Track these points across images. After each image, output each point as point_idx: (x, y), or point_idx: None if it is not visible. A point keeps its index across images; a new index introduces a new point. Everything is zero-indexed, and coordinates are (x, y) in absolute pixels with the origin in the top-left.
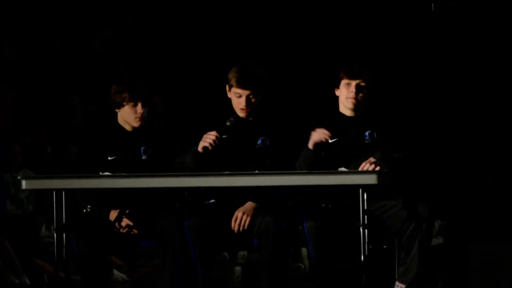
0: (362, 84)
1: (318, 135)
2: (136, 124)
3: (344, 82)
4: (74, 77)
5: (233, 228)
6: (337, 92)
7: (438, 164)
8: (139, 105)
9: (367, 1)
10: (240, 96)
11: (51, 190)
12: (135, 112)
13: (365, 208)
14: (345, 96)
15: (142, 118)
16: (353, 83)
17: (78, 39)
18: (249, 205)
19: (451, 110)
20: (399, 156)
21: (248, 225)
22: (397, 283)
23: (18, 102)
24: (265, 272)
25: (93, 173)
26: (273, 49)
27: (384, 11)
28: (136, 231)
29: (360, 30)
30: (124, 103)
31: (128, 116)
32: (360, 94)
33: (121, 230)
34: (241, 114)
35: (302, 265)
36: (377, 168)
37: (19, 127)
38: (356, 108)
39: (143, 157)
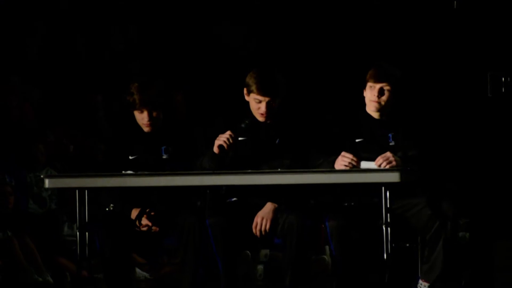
0: (387, 87)
1: (343, 161)
2: (145, 129)
3: (369, 84)
4: (96, 76)
5: (254, 233)
6: (364, 93)
7: (459, 160)
8: (145, 112)
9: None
10: (260, 102)
11: (74, 188)
12: (142, 118)
13: (388, 206)
14: (369, 98)
15: (151, 125)
16: (377, 86)
17: (100, 38)
18: (268, 207)
19: (474, 107)
20: (414, 154)
21: (269, 228)
22: (420, 281)
23: (41, 101)
24: (288, 270)
25: (115, 172)
26: (296, 49)
27: (406, 11)
28: (157, 229)
29: (381, 30)
30: (132, 109)
31: (138, 121)
32: (383, 97)
33: (141, 228)
34: (260, 118)
35: (326, 257)
36: (394, 164)
37: (42, 126)
38: (380, 110)
39: (164, 156)
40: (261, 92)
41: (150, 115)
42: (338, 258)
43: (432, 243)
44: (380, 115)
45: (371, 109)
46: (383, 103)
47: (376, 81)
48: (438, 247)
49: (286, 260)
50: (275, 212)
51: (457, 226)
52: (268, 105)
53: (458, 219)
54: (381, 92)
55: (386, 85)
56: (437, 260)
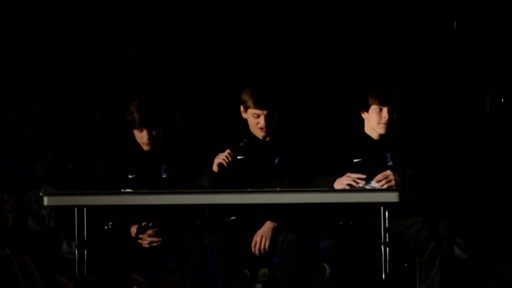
0: (392, 110)
1: (347, 180)
2: (145, 148)
3: (374, 107)
4: (96, 94)
5: (253, 252)
6: (365, 115)
7: (458, 180)
8: (145, 131)
9: (389, 19)
10: (258, 116)
11: (73, 206)
12: (142, 137)
13: (387, 226)
14: (377, 121)
15: (150, 144)
16: (385, 109)
17: (100, 56)
18: (267, 226)
19: (472, 126)
20: (412, 174)
21: (268, 247)
22: None
23: (40, 119)
24: None
25: (115, 190)
26: (293, 68)
27: (406, 29)
28: (159, 243)
29: (381, 48)
30: (132, 128)
31: (138, 139)
32: (390, 119)
33: (143, 245)
34: (260, 134)
35: (326, 266)
36: (393, 183)
37: (41, 143)
38: (387, 132)
39: (164, 176)
40: (258, 105)
41: (149, 134)
42: (336, 277)
43: (429, 264)
44: (380, 135)
45: (380, 131)
46: (390, 124)
47: (383, 104)
48: (435, 267)
49: (285, 278)
50: (274, 230)
51: (453, 246)
52: (266, 118)
53: (455, 239)
54: (390, 113)
55: (391, 107)
56: (434, 280)
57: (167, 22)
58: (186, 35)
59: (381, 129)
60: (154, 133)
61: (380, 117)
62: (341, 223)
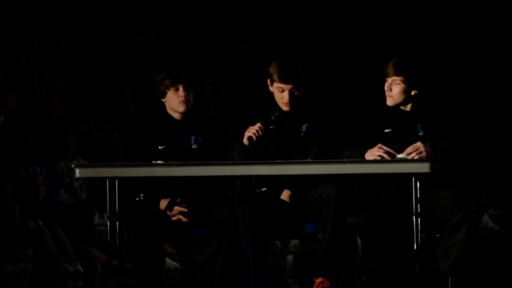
0: (397, 81)
1: (378, 152)
2: (181, 109)
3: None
4: (127, 67)
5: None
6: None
7: (492, 151)
8: (181, 88)
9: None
10: (283, 91)
11: (104, 178)
12: (178, 96)
13: (418, 196)
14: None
15: (187, 102)
16: (389, 80)
17: (131, 30)
18: (285, 194)
19: (505, 100)
20: (443, 144)
21: (302, 200)
22: None
23: (71, 92)
24: (326, 231)
25: (145, 162)
26: (320, 44)
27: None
28: (186, 220)
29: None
30: (167, 90)
31: (172, 102)
32: (394, 91)
33: (172, 219)
34: (285, 108)
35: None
36: (424, 154)
37: (72, 116)
38: (394, 103)
39: (193, 146)
40: (283, 80)
41: (185, 90)
42: (367, 250)
43: (451, 231)
44: (411, 106)
45: (388, 102)
46: (395, 96)
47: (387, 75)
48: (457, 236)
49: (321, 229)
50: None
51: (480, 219)
52: (291, 93)
53: (485, 212)
54: (392, 85)
55: (396, 79)
56: (453, 249)
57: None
58: (213, 17)
59: (387, 100)
60: (188, 92)
61: (385, 88)
62: (371, 196)
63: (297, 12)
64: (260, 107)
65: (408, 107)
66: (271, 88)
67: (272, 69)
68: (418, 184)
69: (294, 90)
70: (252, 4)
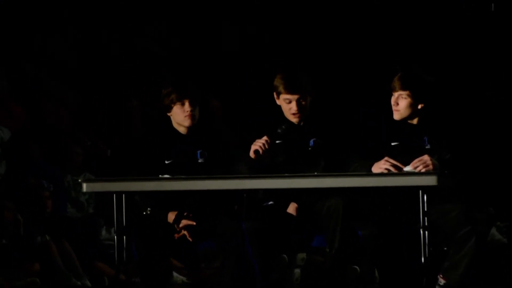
0: (404, 95)
1: (385, 165)
2: (186, 123)
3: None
4: (133, 81)
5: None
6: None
7: (499, 164)
8: (186, 103)
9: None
10: (290, 102)
11: (112, 192)
12: (184, 111)
13: (425, 210)
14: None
15: (192, 117)
16: (395, 94)
17: (136, 43)
18: (292, 207)
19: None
20: (450, 157)
21: (309, 213)
22: (439, 277)
23: (77, 105)
24: (335, 242)
25: (152, 176)
26: (325, 54)
27: (441, 12)
28: (190, 239)
29: (416, 33)
30: (173, 105)
31: (178, 117)
32: (401, 105)
33: (176, 236)
34: (293, 119)
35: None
36: (431, 167)
37: (79, 129)
38: (401, 117)
39: (200, 160)
40: (289, 90)
41: (191, 105)
42: (375, 263)
43: (459, 243)
44: (418, 120)
45: (395, 116)
46: (401, 110)
47: (393, 90)
48: (465, 249)
49: (329, 240)
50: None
51: (488, 233)
52: (298, 103)
53: (493, 226)
54: (399, 100)
55: (402, 94)
56: (462, 262)
57: (198, 12)
58: (217, 27)
59: (395, 114)
60: (194, 107)
61: (392, 103)
62: (379, 208)
63: (297, 12)
64: (266, 120)
65: (415, 121)
66: (278, 101)
67: (277, 81)
68: (425, 197)
69: (301, 100)
70: (252, 4)
